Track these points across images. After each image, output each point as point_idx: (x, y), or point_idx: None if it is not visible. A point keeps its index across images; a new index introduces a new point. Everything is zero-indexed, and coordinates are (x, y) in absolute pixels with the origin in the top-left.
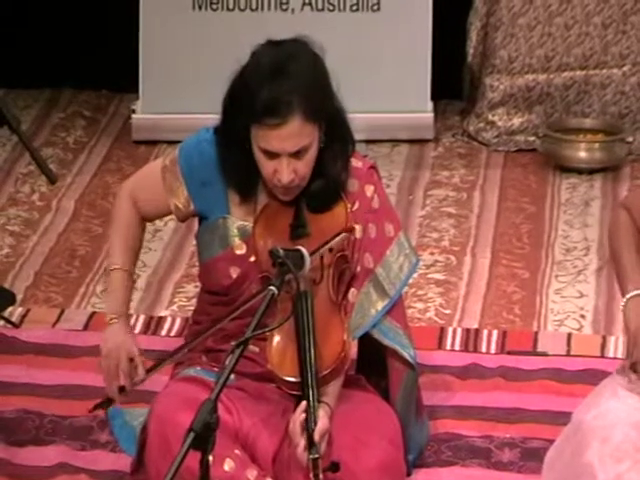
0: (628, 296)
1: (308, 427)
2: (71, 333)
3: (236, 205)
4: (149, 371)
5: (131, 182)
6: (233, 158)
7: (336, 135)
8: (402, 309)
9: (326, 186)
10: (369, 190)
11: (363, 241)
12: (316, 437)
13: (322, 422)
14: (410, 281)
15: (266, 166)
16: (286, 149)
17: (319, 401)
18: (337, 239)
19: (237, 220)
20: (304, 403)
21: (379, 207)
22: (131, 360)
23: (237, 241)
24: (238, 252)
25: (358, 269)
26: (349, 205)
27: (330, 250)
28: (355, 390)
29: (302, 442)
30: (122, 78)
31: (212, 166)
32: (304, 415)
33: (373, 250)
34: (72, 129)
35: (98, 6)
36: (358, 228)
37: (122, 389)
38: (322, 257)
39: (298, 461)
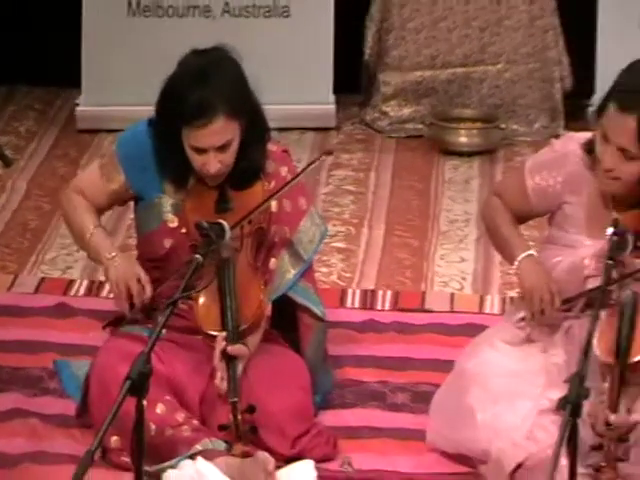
0: (519, 258)
1: (229, 372)
2: (24, 296)
3: (169, 186)
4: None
5: (76, 183)
6: (167, 154)
7: (255, 125)
8: (312, 272)
9: (248, 168)
10: (283, 170)
11: (280, 215)
12: (229, 349)
13: (238, 345)
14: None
15: (196, 160)
16: (213, 145)
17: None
18: (259, 210)
19: (170, 198)
20: (224, 333)
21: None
22: (138, 281)
23: (170, 216)
24: (171, 225)
25: (276, 239)
26: (266, 184)
27: (249, 222)
28: (270, 344)
29: (220, 372)
30: (68, 76)
31: (148, 154)
32: (224, 343)
33: (289, 222)
34: (25, 120)
35: (47, 16)
36: (274, 203)
37: (132, 307)
38: (242, 228)
39: (220, 401)
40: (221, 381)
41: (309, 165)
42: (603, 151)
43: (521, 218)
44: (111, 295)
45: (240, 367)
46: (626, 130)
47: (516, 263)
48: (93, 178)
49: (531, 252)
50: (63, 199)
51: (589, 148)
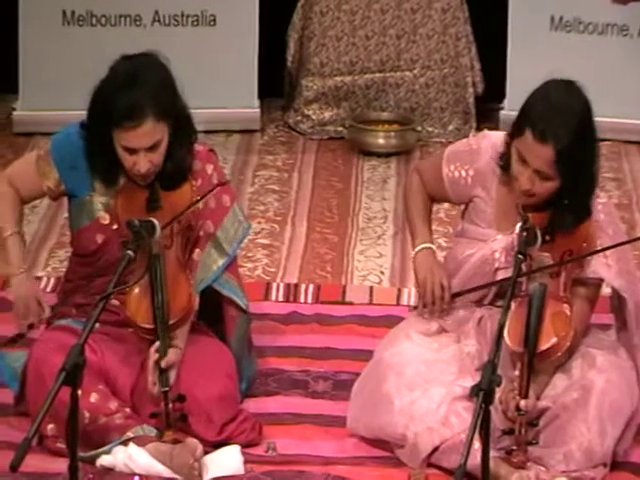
0: (416, 249)
1: (159, 365)
2: None
3: (100, 184)
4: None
5: (9, 171)
6: (98, 155)
7: (182, 127)
8: (236, 266)
9: (175, 168)
10: (209, 169)
11: (205, 211)
12: (162, 364)
13: (170, 356)
14: (242, 244)
15: (127, 160)
16: (143, 145)
17: (170, 345)
18: (188, 211)
19: (101, 197)
20: (157, 344)
21: (217, 182)
22: (38, 302)
23: (102, 213)
24: (103, 222)
25: (201, 233)
26: (194, 183)
27: (179, 221)
28: (198, 335)
29: (152, 377)
30: (4, 82)
31: (80, 154)
32: (156, 355)
33: (213, 217)
34: None
35: None
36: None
37: (31, 326)
38: (172, 226)
39: (151, 393)
40: (153, 386)
41: (209, 192)
42: (520, 172)
43: (436, 199)
44: (47, 289)
45: (173, 374)
46: (544, 158)
47: (413, 253)
48: (28, 169)
49: (429, 245)
50: None
51: (504, 164)
